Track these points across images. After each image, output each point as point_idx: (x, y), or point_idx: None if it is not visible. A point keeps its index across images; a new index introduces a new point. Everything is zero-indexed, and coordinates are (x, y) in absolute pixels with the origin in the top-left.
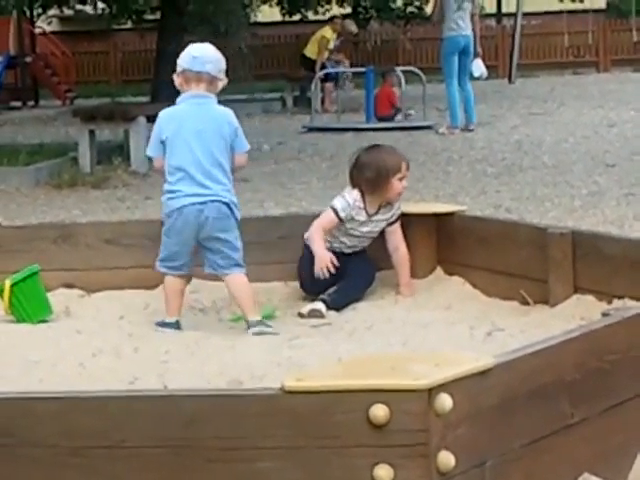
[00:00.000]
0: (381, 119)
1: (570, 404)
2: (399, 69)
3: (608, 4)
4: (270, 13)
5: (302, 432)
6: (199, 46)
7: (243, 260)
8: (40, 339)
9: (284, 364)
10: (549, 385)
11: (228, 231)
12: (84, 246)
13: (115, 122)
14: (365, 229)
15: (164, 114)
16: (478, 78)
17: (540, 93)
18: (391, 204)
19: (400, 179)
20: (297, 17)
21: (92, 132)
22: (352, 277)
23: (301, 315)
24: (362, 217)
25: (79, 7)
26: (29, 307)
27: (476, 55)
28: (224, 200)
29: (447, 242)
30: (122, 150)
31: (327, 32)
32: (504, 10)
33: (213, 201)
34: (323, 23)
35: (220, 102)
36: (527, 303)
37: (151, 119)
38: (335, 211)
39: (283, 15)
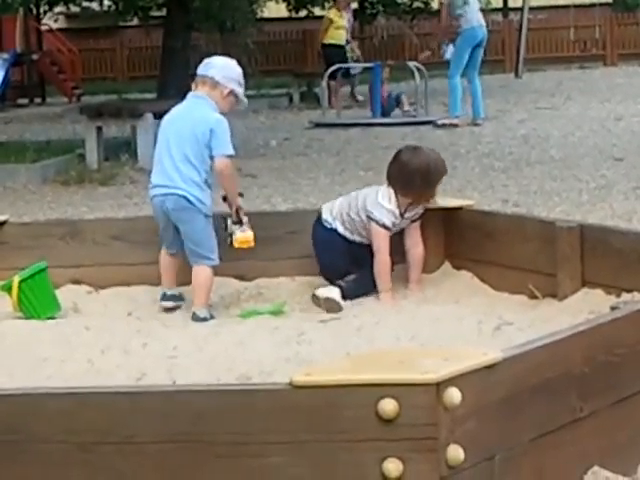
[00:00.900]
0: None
1: (579, 398)
2: (411, 64)
3: None
4: (276, 9)
5: (311, 427)
6: (217, 56)
7: (212, 252)
8: (48, 336)
9: (293, 359)
10: (558, 379)
11: (187, 223)
12: (92, 243)
13: (122, 119)
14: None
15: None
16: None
17: (547, 87)
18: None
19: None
20: (303, 13)
21: (99, 129)
22: (371, 269)
23: (315, 298)
24: (395, 219)
25: (85, 4)
26: (37, 304)
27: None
28: (183, 194)
29: (455, 237)
30: (129, 147)
31: (331, 13)
32: (510, 4)
33: (173, 194)
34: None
35: None
36: (535, 297)
37: (158, 115)
38: (386, 227)
39: (289, 11)
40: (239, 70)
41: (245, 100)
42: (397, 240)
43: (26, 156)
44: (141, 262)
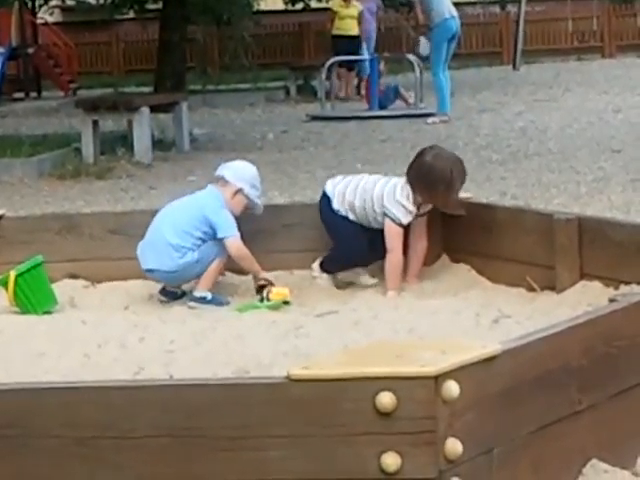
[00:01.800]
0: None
1: (577, 390)
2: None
3: None
4: (273, 2)
5: (309, 421)
6: (238, 160)
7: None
8: (45, 330)
9: (290, 353)
10: (556, 372)
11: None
12: (88, 237)
13: (118, 112)
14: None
15: None
16: (427, 57)
17: (545, 79)
18: None
19: None
20: (300, 5)
21: (95, 122)
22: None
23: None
24: (412, 218)
25: None
26: (34, 298)
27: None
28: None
29: (453, 229)
30: (125, 140)
31: (334, 4)
32: None
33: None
34: (326, 11)
35: (224, 92)
36: (533, 290)
37: (154, 109)
38: (402, 226)
39: (286, 4)
40: (253, 172)
41: (259, 203)
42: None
43: (22, 150)
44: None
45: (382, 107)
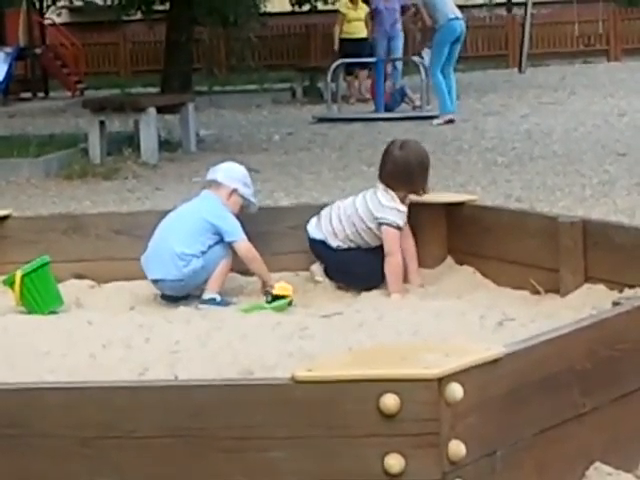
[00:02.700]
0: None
1: (581, 393)
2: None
3: None
4: (280, 3)
5: (313, 422)
6: (223, 163)
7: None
8: (50, 330)
9: (295, 354)
10: (560, 374)
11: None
12: (94, 237)
13: (125, 113)
14: None
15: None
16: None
17: (550, 82)
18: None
19: None
20: (307, 7)
21: (102, 123)
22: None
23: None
24: (404, 217)
25: None
26: (40, 298)
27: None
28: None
29: (457, 231)
30: (132, 141)
31: (341, 7)
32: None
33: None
34: (332, 13)
35: (230, 93)
36: (538, 292)
37: (161, 110)
38: (399, 228)
39: (292, 5)
40: (244, 171)
41: (254, 201)
42: None
43: (29, 150)
44: None
45: (389, 109)
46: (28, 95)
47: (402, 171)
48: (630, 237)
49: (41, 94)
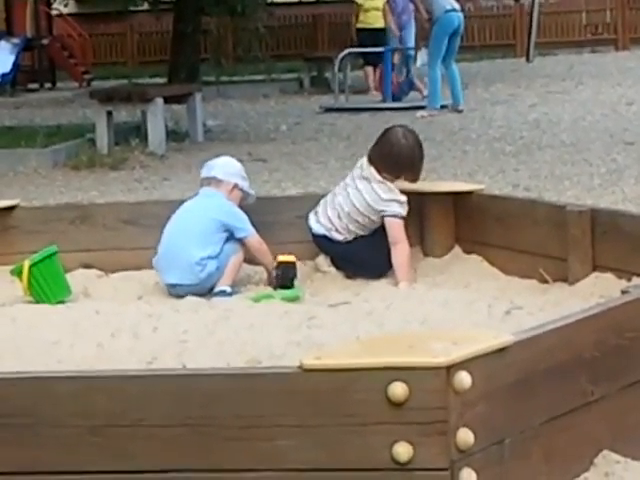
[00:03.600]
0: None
1: (589, 381)
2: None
3: None
4: None
5: (321, 410)
6: (216, 158)
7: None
8: (59, 320)
9: (303, 343)
10: (568, 363)
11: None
12: (102, 227)
13: (132, 103)
14: None
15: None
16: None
17: (558, 71)
18: None
19: None
20: None
21: (109, 113)
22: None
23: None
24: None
25: None
26: (48, 288)
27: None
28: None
29: (465, 221)
30: (139, 131)
31: None
32: None
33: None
34: (340, 3)
35: (238, 83)
36: (546, 281)
37: (168, 100)
38: (404, 218)
39: None
40: (239, 165)
41: (253, 193)
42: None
43: (36, 141)
44: (151, 246)
45: (396, 99)
46: (35, 86)
47: (408, 162)
48: (638, 226)
49: (48, 85)
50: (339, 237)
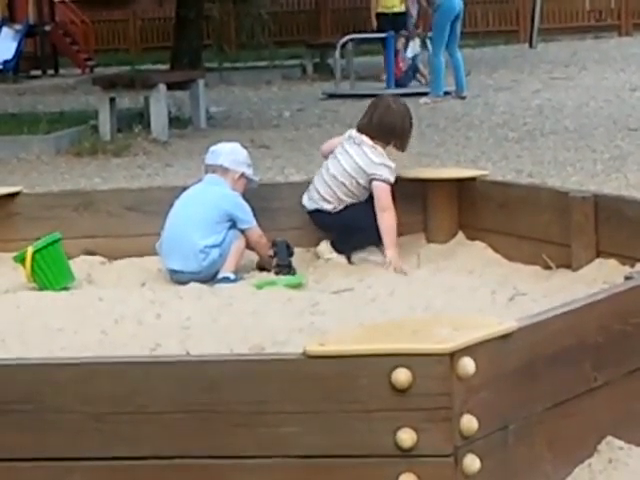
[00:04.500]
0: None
1: (593, 367)
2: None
3: None
4: None
5: (325, 397)
6: (221, 144)
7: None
8: (62, 306)
9: (306, 330)
10: (572, 349)
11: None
12: (105, 213)
13: (135, 90)
14: None
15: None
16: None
17: (561, 57)
18: None
19: None
20: None
21: (112, 100)
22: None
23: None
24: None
25: None
26: (51, 274)
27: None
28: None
29: (469, 207)
30: (142, 118)
31: None
32: None
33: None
34: None
35: (241, 69)
36: (549, 267)
37: (171, 86)
38: (391, 183)
39: None
40: (245, 152)
41: (256, 179)
42: (410, 209)
43: (39, 127)
44: (154, 233)
45: (401, 85)
46: (38, 72)
47: (399, 124)
48: None
49: (51, 71)
50: (329, 207)
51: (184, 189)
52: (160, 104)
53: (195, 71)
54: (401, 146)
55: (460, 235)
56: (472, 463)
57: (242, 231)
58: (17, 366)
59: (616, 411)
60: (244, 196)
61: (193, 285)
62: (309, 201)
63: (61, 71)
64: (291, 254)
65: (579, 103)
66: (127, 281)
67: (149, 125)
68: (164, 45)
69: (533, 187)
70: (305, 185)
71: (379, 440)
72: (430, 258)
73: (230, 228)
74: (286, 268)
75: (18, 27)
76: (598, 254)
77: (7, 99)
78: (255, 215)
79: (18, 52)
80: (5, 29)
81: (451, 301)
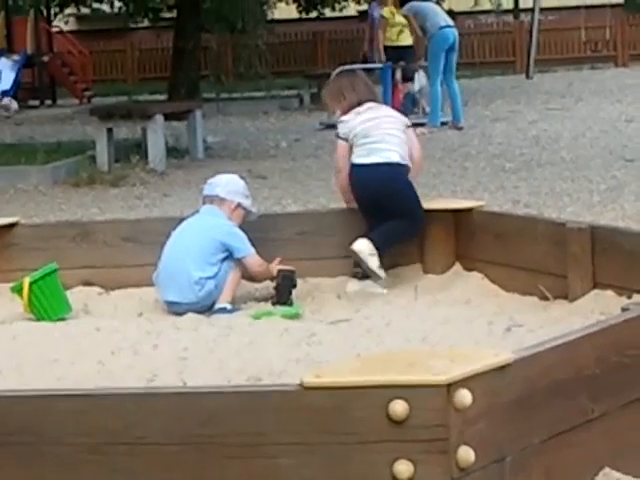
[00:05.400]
0: None
1: (590, 399)
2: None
3: None
4: (287, 10)
5: (321, 428)
6: (219, 175)
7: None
8: (59, 337)
9: (303, 360)
10: (569, 380)
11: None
12: (102, 244)
13: (132, 120)
14: (368, 124)
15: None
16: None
17: (558, 88)
18: None
19: None
20: (314, 14)
21: (110, 130)
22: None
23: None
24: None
25: (96, 6)
26: (48, 305)
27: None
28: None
29: (466, 238)
30: (140, 148)
31: (385, 12)
32: (521, 6)
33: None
34: (340, 20)
35: (238, 100)
36: (546, 298)
37: (168, 117)
38: (343, 139)
39: (300, 12)
40: (242, 183)
41: (254, 210)
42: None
43: (37, 157)
44: (151, 263)
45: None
46: (36, 103)
47: (342, 80)
48: (638, 243)
49: (49, 102)
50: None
51: (181, 220)
52: (157, 134)
53: (192, 102)
54: (356, 99)
55: (457, 266)
56: None
57: (240, 260)
58: (15, 397)
59: (613, 442)
60: (241, 227)
61: (190, 316)
62: (399, 156)
63: (59, 101)
64: (294, 286)
65: (575, 134)
66: (124, 311)
67: (146, 155)
68: (161, 76)
69: (530, 218)
70: (302, 216)
71: (376, 472)
72: (427, 289)
73: (226, 259)
74: (285, 302)
75: (16, 57)
76: (595, 285)
77: (5, 129)
78: (253, 246)
79: (16, 82)
80: (3, 59)
81: (448, 332)
